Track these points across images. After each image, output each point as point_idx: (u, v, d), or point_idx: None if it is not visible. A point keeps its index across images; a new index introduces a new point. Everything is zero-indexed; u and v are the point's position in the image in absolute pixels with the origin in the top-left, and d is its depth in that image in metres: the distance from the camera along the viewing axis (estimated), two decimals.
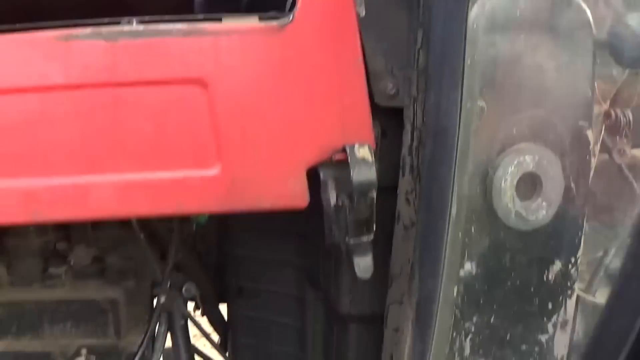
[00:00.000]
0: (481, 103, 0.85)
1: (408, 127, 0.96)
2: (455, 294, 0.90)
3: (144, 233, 1.16)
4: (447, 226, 0.87)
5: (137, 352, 1.14)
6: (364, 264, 0.91)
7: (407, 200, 0.97)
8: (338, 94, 0.90)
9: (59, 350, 1.18)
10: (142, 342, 1.14)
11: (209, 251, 1.45)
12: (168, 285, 1.15)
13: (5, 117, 0.78)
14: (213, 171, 0.85)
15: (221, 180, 0.86)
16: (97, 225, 1.22)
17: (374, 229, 0.90)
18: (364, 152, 0.87)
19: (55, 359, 1.19)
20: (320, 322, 1.23)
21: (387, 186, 1.01)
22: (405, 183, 0.97)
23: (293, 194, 0.89)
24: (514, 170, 0.86)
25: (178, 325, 1.24)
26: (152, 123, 0.82)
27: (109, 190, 0.82)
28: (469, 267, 0.87)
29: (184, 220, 1.21)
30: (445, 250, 0.88)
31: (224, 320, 1.49)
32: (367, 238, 0.90)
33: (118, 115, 0.79)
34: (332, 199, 0.90)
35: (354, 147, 0.87)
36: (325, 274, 1.15)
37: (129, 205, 0.84)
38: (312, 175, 0.91)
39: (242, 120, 0.85)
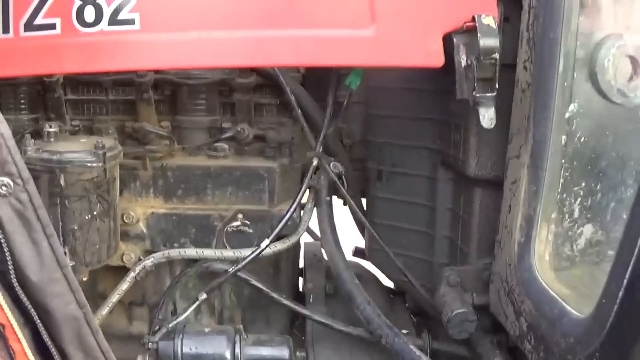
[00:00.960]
0: None
1: (525, 6, 1.31)
2: (562, 140, 1.24)
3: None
4: (555, 84, 1.22)
5: (285, 216, 1.54)
6: (488, 115, 1.27)
7: (525, 67, 1.30)
8: None
9: (218, 214, 1.64)
10: (290, 207, 1.54)
11: (353, 145, 1.89)
12: (321, 149, 1.58)
13: None
14: (368, 32, 1.26)
15: (374, 39, 1.26)
16: (257, 108, 1.70)
17: (497, 87, 1.27)
18: (488, 20, 1.23)
19: (214, 222, 1.64)
20: (449, 199, 1.61)
21: (510, 63, 1.37)
22: (523, 53, 1.31)
23: (432, 54, 1.28)
24: (616, 51, 1.19)
25: (324, 200, 1.68)
26: None
27: (288, 42, 1.26)
28: (574, 110, 1.21)
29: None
30: (555, 101, 1.22)
31: (363, 209, 1.90)
32: (491, 94, 1.27)
33: None
34: (463, 60, 1.27)
35: (481, 16, 1.24)
36: (456, 144, 1.52)
37: (304, 56, 1.28)
38: (447, 42, 1.30)
39: None
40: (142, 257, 1.61)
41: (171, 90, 1.66)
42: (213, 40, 1.25)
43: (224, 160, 1.66)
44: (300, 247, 1.85)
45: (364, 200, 1.86)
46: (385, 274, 1.80)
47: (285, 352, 1.43)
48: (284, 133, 1.67)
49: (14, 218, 0.91)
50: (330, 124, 1.61)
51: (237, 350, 1.39)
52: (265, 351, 1.42)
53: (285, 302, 1.57)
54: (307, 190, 1.67)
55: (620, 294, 0.92)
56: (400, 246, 1.68)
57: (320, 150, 1.55)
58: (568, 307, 1.12)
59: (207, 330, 1.43)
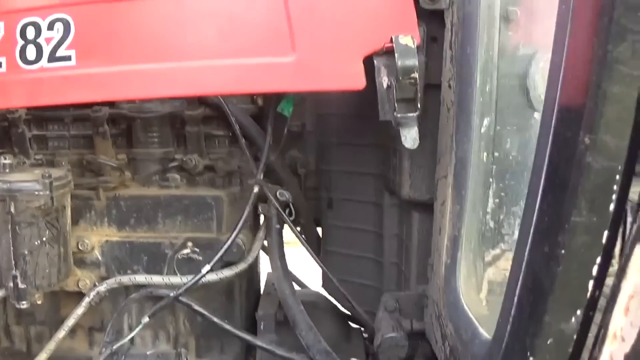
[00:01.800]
0: None
1: (448, 24, 1.49)
2: (484, 157, 1.41)
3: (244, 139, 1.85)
4: (474, 101, 1.39)
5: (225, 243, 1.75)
6: (410, 136, 1.45)
7: (449, 85, 1.48)
8: None
9: (169, 242, 1.88)
10: (233, 232, 1.75)
11: (308, 174, 2.12)
12: (261, 177, 1.78)
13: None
14: (289, 58, 1.48)
15: (296, 66, 1.47)
16: (209, 139, 1.94)
17: (419, 107, 1.45)
18: (406, 40, 1.42)
19: (164, 250, 1.89)
20: (395, 224, 1.80)
21: (438, 84, 1.55)
22: (447, 72, 1.49)
23: (352, 76, 1.47)
24: (546, 65, 1.35)
25: (274, 229, 1.90)
26: (244, 22, 1.48)
27: (214, 72, 1.49)
28: (494, 126, 1.38)
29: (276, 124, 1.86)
30: (474, 118, 1.39)
31: (318, 235, 2.13)
32: (412, 114, 1.45)
33: (216, 15, 1.46)
34: (385, 82, 1.46)
35: (398, 36, 1.43)
36: (394, 168, 1.71)
37: (228, 84, 1.50)
38: (370, 64, 1.49)
39: (312, 17, 1.46)
40: (97, 284, 1.85)
41: (126, 125, 1.91)
42: (142, 72, 1.49)
43: (174, 190, 1.90)
44: (258, 276, 2.08)
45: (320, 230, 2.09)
46: (338, 302, 2.00)
47: None
48: (233, 163, 1.90)
49: None
50: (273, 152, 1.85)
51: None
52: None
53: (228, 327, 1.76)
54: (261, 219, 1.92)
55: (512, 313, 1.10)
56: (351, 274, 1.88)
57: (261, 178, 1.78)
58: (480, 329, 1.27)
59: (148, 353, 1.66)
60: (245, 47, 1.47)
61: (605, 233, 0.97)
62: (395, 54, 1.39)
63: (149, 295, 1.81)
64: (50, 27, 1.48)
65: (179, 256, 1.83)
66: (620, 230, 0.97)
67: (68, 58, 1.49)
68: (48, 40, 1.49)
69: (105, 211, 1.92)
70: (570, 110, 0.98)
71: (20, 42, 1.50)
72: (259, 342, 1.74)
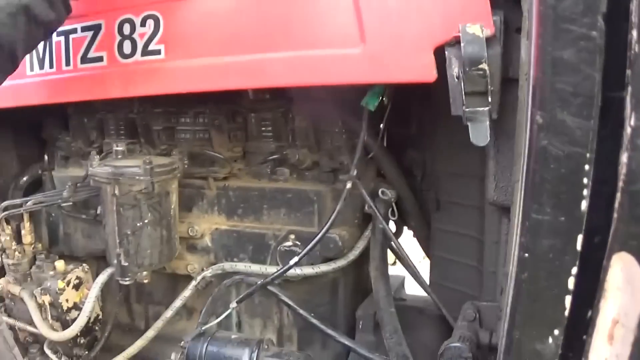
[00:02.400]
0: None
1: (525, 12, 1.51)
2: None
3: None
4: None
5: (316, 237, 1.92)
6: (479, 132, 1.53)
7: (526, 79, 1.51)
8: None
9: (272, 233, 2.10)
10: (322, 229, 1.91)
11: (424, 176, 2.21)
12: (355, 173, 1.92)
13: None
14: (358, 50, 1.63)
15: (365, 57, 1.62)
16: (318, 135, 2.11)
17: (489, 101, 1.51)
18: (474, 29, 1.48)
19: (268, 240, 2.11)
20: (495, 230, 1.85)
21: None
22: (524, 66, 1.52)
23: (423, 68, 1.58)
24: None
25: (377, 228, 2.06)
26: (313, 14, 1.65)
27: (281, 64, 1.70)
28: None
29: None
30: None
31: (428, 235, 2.24)
32: (483, 108, 1.52)
33: (288, 9, 1.66)
34: (454, 73, 1.55)
35: (466, 25, 1.50)
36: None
37: (298, 76, 1.70)
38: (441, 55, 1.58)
39: (382, 8, 1.59)
40: (204, 269, 2.19)
41: (242, 119, 2.17)
42: (220, 64, 1.75)
43: (281, 184, 2.13)
44: (367, 275, 2.24)
45: None
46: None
47: None
48: (337, 159, 2.07)
49: None
50: (381, 151, 2.03)
51: (255, 358, 1.86)
52: None
53: (314, 322, 1.95)
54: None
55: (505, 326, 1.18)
56: (453, 280, 1.97)
57: (355, 174, 1.93)
58: None
59: (233, 337, 1.91)
60: (315, 39, 1.65)
61: (579, 237, 1.01)
62: (462, 43, 1.45)
63: (241, 282, 2.10)
64: (143, 23, 1.80)
65: (281, 248, 2.06)
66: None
67: (158, 52, 1.80)
68: (141, 35, 1.80)
69: (216, 200, 2.22)
70: None
71: (118, 38, 1.84)
72: (342, 339, 1.92)
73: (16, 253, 2.31)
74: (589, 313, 1.06)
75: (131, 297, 2.51)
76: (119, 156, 2.06)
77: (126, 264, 2.01)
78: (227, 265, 2.13)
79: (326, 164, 2.09)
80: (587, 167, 0.99)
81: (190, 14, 1.77)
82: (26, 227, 2.31)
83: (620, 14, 0.98)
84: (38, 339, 2.32)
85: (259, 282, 1.96)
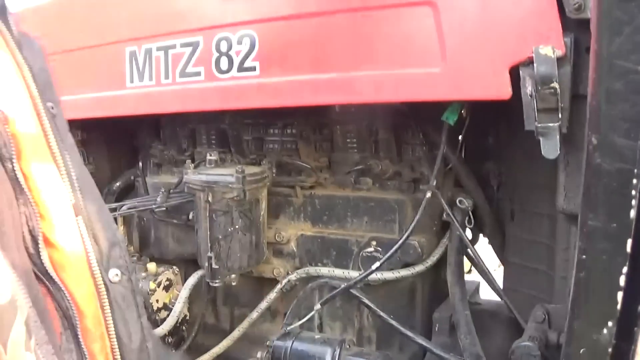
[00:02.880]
0: None
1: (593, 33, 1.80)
2: None
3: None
4: None
5: (398, 243, 2.23)
6: (550, 146, 1.81)
7: None
8: (533, 10, 1.84)
9: (355, 240, 2.41)
10: (403, 236, 2.20)
11: (500, 186, 2.47)
12: (434, 183, 2.21)
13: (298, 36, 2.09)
14: (439, 69, 1.93)
15: (445, 75, 1.92)
16: (400, 146, 2.42)
17: (560, 117, 1.79)
18: (546, 50, 1.77)
19: (351, 246, 2.42)
20: (564, 237, 2.12)
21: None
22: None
23: (499, 86, 1.86)
24: None
25: (454, 234, 2.34)
26: (398, 35, 1.98)
27: (368, 81, 2.02)
28: None
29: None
30: None
31: (503, 242, 2.49)
32: (553, 124, 1.80)
33: (374, 31, 1.99)
34: (528, 92, 1.84)
35: (538, 47, 1.80)
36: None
37: (381, 93, 2.02)
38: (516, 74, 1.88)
39: (462, 29, 1.90)
40: (289, 272, 2.54)
41: (329, 131, 2.50)
42: (309, 81, 2.09)
43: (364, 192, 2.45)
44: (444, 281, 2.54)
45: None
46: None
47: None
48: (418, 170, 2.37)
49: (119, 300, 1.44)
50: (460, 162, 2.33)
51: (337, 356, 2.18)
52: None
53: (393, 323, 2.23)
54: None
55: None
56: (526, 285, 2.26)
57: (434, 184, 2.21)
58: None
59: (316, 337, 2.23)
60: (399, 58, 1.97)
61: (629, 241, 1.30)
62: (535, 64, 1.72)
63: (324, 285, 2.43)
64: (239, 41, 2.15)
65: (364, 253, 2.36)
66: None
67: (253, 69, 2.15)
68: (237, 52, 2.16)
69: (302, 208, 2.56)
70: None
71: (215, 54, 2.19)
72: (419, 340, 2.22)
73: None
74: (639, 308, 1.36)
75: (218, 299, 2.87)
76: (212, 165, 2.42)
77: (217, 266, 2.37)
78: (312, 270, 2.46)
79: (407, 174, 2.40)
80: (635, 181, 1.27)
81: (284, 33, 2.11)
82: (120, 231, 2.70)
83: None
84: None
85: (343, 286, 2.28)
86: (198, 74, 2.25)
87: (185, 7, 2.26)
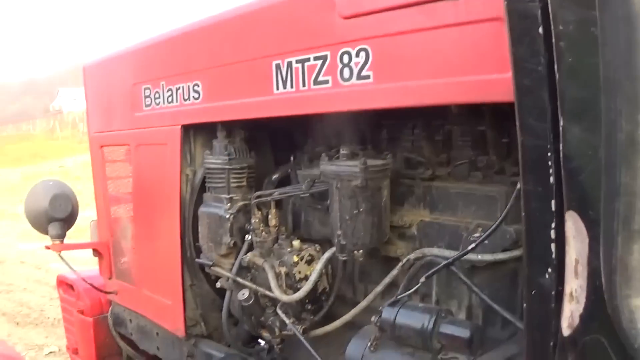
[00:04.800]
0: None
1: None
2: None
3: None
4: None
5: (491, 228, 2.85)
6: None
7: None
8: None
9: (464, 226, 2.95)
10: (496, 222, 2.80)
11: None
12: None
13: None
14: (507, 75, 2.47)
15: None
16: (509, 144, 2.96)
17: None
18: None
19: (461, 232, 2.96)
20: None
21: None
22: None
23: None
24: None
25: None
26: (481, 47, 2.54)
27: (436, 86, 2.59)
28: None
29: None
30: None
31: None
32: None
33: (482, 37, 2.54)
34: None
35: None
36: None
37: (486, 95, 2.56)
38: None
39: None
40: (409, 253, 3.15)
41: (448, 131, 3.12)
42: (415, 86, 2.70)
43: (473, 185, 3.02)
44: None
45: None
46: None
47: (465, 333, 2.67)
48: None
49: None
50: None
51: (432, 323, 2.75)
52: (451, 329, 2.70)
53: (491, 303, 2.77)
54: None
55: None
56: None
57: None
58: None
59: (420, 305, 2.83)
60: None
61: (553, 202, 1.81)
62: None
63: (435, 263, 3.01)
64: (357, 54, 2.81)
65: (470, 238, 2.91)
66: None
67: (368, 77, 2.80)
68: (356, 64, 2.83)
69: (422, 197, 3.21)
70: None
71: (340, 66, 2.88)
72: (513, 320, 2.72)
73: (263, 233, 3.52)
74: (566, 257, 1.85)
75: (354, 276, 3.59)
76: (344, 158, 3.10)
77: (344, 242, 3.05)
78: (426, 250, 3.07)
79: (510, 169, 2.94)
80: (549, 154, 1.84)
81: (395, 46, 2.73)
82: (272, 213, 3.52)
83: None
84: (273, 303, 3.47)
85: (444, 262, 2.87)
86: (327, 82, 2.93)
87: (316, 27, 2.96)
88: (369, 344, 2.86)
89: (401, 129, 3.35)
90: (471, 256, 2.83)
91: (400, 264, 3.15)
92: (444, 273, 3.04)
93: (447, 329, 2.68)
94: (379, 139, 3.42)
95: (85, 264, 5.27)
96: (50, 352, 9.49)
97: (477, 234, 2.91)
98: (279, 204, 3.62)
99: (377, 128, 3.41)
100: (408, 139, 3.33)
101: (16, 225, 24.18)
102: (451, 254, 2.97)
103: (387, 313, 2.84)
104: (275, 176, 3.86)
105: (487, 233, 2.69)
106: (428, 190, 3.21)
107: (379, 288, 3.21)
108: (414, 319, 2.76)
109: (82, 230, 6.05)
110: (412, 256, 3.13)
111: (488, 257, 2.85)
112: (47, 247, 5.13)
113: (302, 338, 3.33)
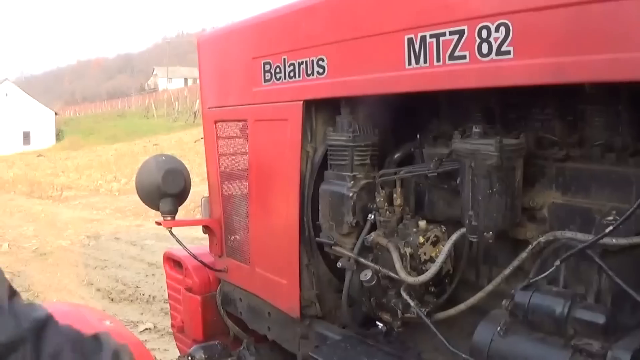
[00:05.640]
0: None
1: None
2: None
3: None
4: None
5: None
6: None
7: None
8: None
9: (598, 208, 2.94)
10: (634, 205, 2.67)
11: None
12: None
13: None
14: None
15: None
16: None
17: None
18: None
19: (594, 215, 2.95)
20: None
21: None
22: None
23: None
24: None
25: None
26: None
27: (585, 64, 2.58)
28: None
29: None
30: None
31: None
32: None
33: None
34: None
35: None
36: None
37: (596, 74, 2.55)
38: None
39: None
40: (539, 236, 3.14)
41: (581, 110, 3.10)
42: (557, 63, 2.70)
43: (607, 166, 2.99)
44: None
45: None
46: None
47: (601, 318, 2.64)
48: None
49: None
50: None
51: (567, 308, 2.75)
52: (586, 314, 2.66)
53: (625, 287, 2.67)
54: None
55: None
56: None
57: None
58: None
59: (553, 290, 2.84)
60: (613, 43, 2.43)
61: None
62: None
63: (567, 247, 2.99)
64: (497, 29, 2.81)
65: (604, 221, 2.87)
66: None
67: (508, 52, 2.81)
68: (496, 39, 2.83)
69: (554, 178, 3.19)
70: None
71: (478, 40, 2.88)
72: None
73: (387, 212, 3.57)
74: None
75: (478, 259, 3.60)
76: (477, 136, 3.11)
77: (475, 223, 3.06)
78: (558, 233, 3.05)
79: None
80: None
81: (536, 21, 2.73)
82: (397, 192, 3.55)
83: None
84: (395, 284, 3.50)
85: (580, 246, 2.87)
86: (464, 57, 2.94)
87: (453, 1, 2.98)
88: (498, 329, 2.87)
89: (531, 107, 3.35)
90: (606, 240, 2.81)
91: (530, 246, 3.15)
92: (574, 257, 3.02)
93: (582, 314, 2.70)
94: (508, 118, 3.43)
95: (186, 243, 5.39)
96: (146, 329, 9.85)
97: (610, 217, 2.89)
98: (402, 183, 3.65)
99: (507, 106, 3.42)
100: (538, 118, 3.32)
101: (111, 201, 24.89)
102: (585, 237, 2.95)
103: (520, 297, 2.87)
104: (397, 154, 3.89)
105: (625, 215, 2.68)
106: (560, 171, 3.20)
107: (507, 271, 3.22)
108: (548, 303, 2.79)
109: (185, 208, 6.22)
110: (542, 239, 3.12)
111: (623, 241, 2.82)
112: (158, 223, 5.25)
113: (428, 321, 3.35)
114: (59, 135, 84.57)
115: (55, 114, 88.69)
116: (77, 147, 67.35)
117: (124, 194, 26.56)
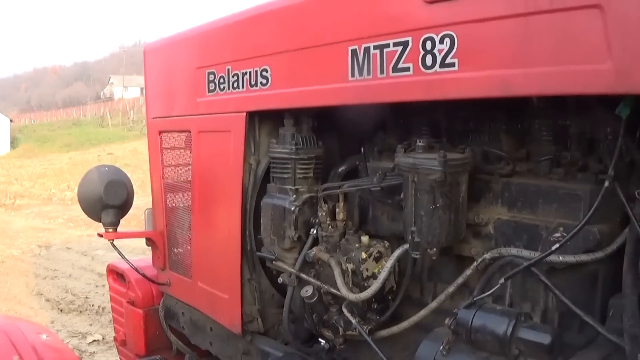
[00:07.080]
0: None
1: None
2: None
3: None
4: None
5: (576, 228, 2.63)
6: None
7: None
8: None
9: (544, 225, 2.85)
10: (581, 222, 2.61)
11: None
12: (612, 174, 2.54)
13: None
14: (605, 65, 2.36)
15: (610, 71, 2.34)
16: (592, 139, 2.84)
17: None
18: None
19: (540, 231, 2.86)
20: None
21: None
22: None
23: None
24: None
25: (631, 224, 2.68)
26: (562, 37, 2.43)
27: (534, 76, 2.48)
28: None
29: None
30: None
31: None
32: None
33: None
34: None
35: None
36: None
37: (544, 87, 2.46)
38: None
39: (627, 28, 2.30)
40: (485, 252, 3.04)
41: (528, 124, 2.99)
42: (502, 75, 2.61)
43: (554, 182, 2.91)
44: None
45: None
46: None
47: (546, 339, 2.55)
48: (606, 162, 2.75)
49: None
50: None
51: (511, 328, 2.65)
52: (531, 334, 2.58)
53: (570, 305, 2.64)
54: None
55: None
56: None
57: (612, 175, 2.57)
58: None
59: (498, 308, 2.73)
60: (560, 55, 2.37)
61: None
62: None
63: (512, 264, 2.90)
64: (441, 41, 2.72)
65: (551, 238, 2.80)
66: None
67: (453, 65, 2.71)
68: (440, 51, 2.73)
69: (500, 193, 3.09)
70: None
71: (422, 52, 2.78)
72: (593, 323, 2.62)
73: (330, 227, 3.45)
74: None
75: (423, 275, 3.49)
76: (421, 150, 3.00)
77: (418, 240, 2.95)
78: (504, 250, 2.97)
79: (594, 166, 2.83)
80: None
81: (478, 34, 2.63)
82: (340, 206, 3.44)
83: None
84: (337, 301, 3.39)
85: (525, 264, 2.77)
86: (408, 69, 2.83)
87: (397, 12, 2.87)
88: (441, 347, 2.77)
89: (477, 121, 3.26)
90: (552, 257, 2.76)
91: (475, 263, 3.07)
92: (520, 274, 2.93)
93: (527, 334, 2.60)
94: (454, 132, 3.33)
95: (135, 254, 5.22)
96: (94, 341, 9.61)
97: (557, 234, 2.83)
98: (346, 197, 3.54)
99: (452, 120, 3.33)
100: (485, 132, 3.23)
101: (63, 210, 24.48)
102: (530, 254, 2.89)
103: (463, 315, 2.76)
104: (342, 168, 3.80)
105: (572, 232, 2.64)
106: (507, 186, 3.11)
107: (451, 288, 3.13)
108: (491, 322, 2.68)
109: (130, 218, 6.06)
110: (487, 256, 3.05)
111: (570, 258, 2.77)
112: (100, 235, 5.08)
113: (369, 339, 3.25)
114: (13, 143, 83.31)
115: (11, 121, 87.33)
116: (32, 155, 66.32)
117: (77, 204, 26.02)
